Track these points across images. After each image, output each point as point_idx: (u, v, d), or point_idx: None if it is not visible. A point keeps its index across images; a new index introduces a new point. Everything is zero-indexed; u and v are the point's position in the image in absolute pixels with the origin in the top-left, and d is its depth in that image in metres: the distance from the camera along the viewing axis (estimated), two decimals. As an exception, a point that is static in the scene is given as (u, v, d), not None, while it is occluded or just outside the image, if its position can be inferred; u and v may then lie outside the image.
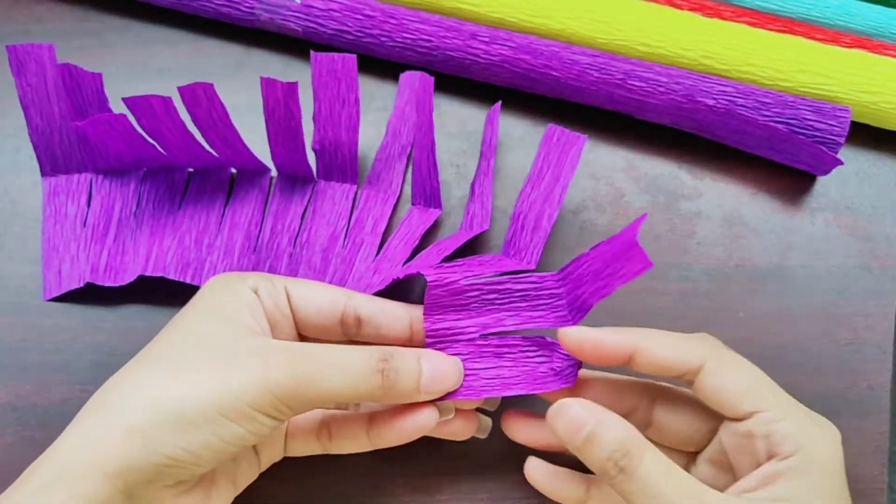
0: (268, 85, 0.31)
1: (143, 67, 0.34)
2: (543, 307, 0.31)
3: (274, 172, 0.35)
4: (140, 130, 0.31)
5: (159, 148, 0.32)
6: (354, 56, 0.32)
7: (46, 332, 0.33)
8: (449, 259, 0.32)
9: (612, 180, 0.36)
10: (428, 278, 0.29)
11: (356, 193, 0.35)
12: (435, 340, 0.30)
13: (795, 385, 0.33)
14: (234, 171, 0.35)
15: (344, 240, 0.34)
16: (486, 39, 0.35)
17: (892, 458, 0.34)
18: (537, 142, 0.36)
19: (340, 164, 0.34)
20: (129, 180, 0.35)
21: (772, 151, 0.35)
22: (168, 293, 0.34)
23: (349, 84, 0.33)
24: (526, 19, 0.36)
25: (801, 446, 0.26)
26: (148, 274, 0.32)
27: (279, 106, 0.32)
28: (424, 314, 0.30)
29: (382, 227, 0.34)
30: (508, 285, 0.31)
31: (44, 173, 0.34)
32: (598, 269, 0.29)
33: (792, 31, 0.37)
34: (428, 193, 0.34)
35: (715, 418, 0.28)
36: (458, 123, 0.36)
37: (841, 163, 0.34)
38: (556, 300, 0.31)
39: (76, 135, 0.34)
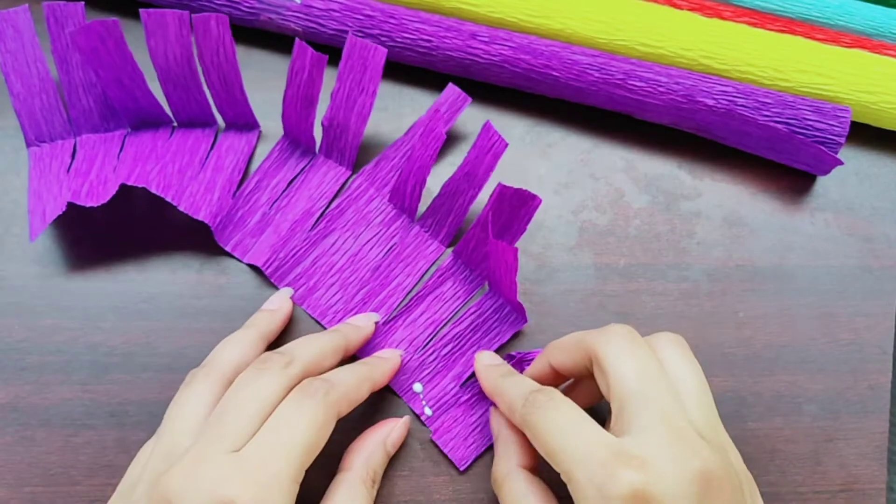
0: (300, 48, 0.32)
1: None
2: (496, 324, 0.33)
3: (265, 129, 0.36)
4: (129, 50, 0.32)
5: (150, 82, 0.33)
6: (385, 50, 0.32)
7: (46, 332, 0.33)
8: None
9: (612, 180, 0.36)
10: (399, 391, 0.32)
11: (348, 179, 0.35)
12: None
13: (795, 385, 0.34)
14: (221, 127, 0.36)
15: (317, 220, 0.34)
16: (486, 39, 0.35)
17: (891, 457, 0.34)
18: (537, 142, 0.36)
19: (342, 146, 0.35)
20: (114, 135, 0.35)
21: (772, 151, 0.35)
22: (169, 295, 0.34)
23: (372, 76, 0.33)
24: (526, 19, 0.36)
25: None
26: (130, 183, 0.32)
27: (304, 71, 0.32)
28: (405, 399, 0.32)
29: (360, 229, 0.34)
30: (456, 330, 0.33)
31: (28, 143, 0.34)
32: (494, 267, 0.31)
33: (792, 31, 0.37)
34: (406, 206, 0.34)
35: None
36: (457, 123, 0.36)
37: (841, 163, 0.34)
38: (502, 311, 0.33)
39: (56, 97, 0.34)
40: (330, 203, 0.35)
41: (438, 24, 0.35)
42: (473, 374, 0.32)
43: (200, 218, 0.33)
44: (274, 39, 0.37)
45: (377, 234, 0.34)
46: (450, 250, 0.34)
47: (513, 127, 0.37)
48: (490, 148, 0.32)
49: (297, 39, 0.32)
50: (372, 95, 0.33)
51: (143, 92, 0.33)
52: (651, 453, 0.23)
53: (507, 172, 0.36)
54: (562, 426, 0.25)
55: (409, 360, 0.33)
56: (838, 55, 0.35)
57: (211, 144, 0.35)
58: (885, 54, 0.36)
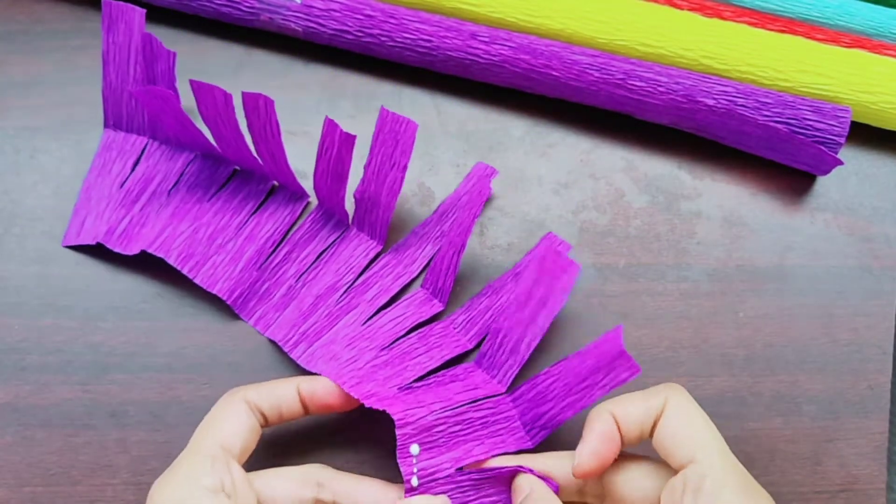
0: (329, 125, 0.31)
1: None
2: (502, 431, 0.31)
3: (313, 199, 0.35)
4: (189, 116, 0.32)
5: (210, 139, 0.33)
6: (416, 124, 0.32)
7: (46, 332, 0.33)
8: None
9: (612, 180, 0.36)
10: (395, 418, 0.29)
11: (378, 254, 0.34)
12: (413, 484, 0.29)
13: (795, 385, 0.34)
14: (276, 185, 0.35)
15: (341, 295, 0.34)
16: (486, 39, 0.35)
17: (891, 457, 0.34)
18: (537, 142, 0.36)
19: (373, 220, 0.34)
20: (178, 157, 0.35)
21: (772, 151, 0.35)
22: (169, 295, 0.34)
23: (404, 150, 0.32)
24: (526, 19, 0.36)
25: None
26: (151, 251, 0.32)
27: (332, 148, 0.32)
28: (398, 456, 0.29)
29: (382, 301, 0.33)
30: (470, 414, 0.31)
31: (106, 124, 0.36)
32: (571, 383, 0.29)
33: (792, 31, 0.37)
34: (439, 286, 0.33)
35: (663, 477, 0.27)
36: (457, 123, 0.37)
37: (841, 163, 0.34)
38: (511, 423, 0.31)
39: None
40: (357, 278, 0.34)
41: (438, 24, 0.35)
42: (471, 465, 0.30)
43: (215, 292, 0.33)
44: (274, 39, 0.37)
45: (403, 314, 0.33)
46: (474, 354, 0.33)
47: (513, 127, 0.37)
48: (556, 275, 0.30)
49: (326, 117, 0.31)
50: (402, 170, 0.32)
51: (204, 141, 0.34)
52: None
53: (508, 173, 0.36)
54: None
55: (422, 417, 0.30)
56: (838, 55, 0.35)
57: (259, 204, 0.35)
58: (885, 54, 0.36)
